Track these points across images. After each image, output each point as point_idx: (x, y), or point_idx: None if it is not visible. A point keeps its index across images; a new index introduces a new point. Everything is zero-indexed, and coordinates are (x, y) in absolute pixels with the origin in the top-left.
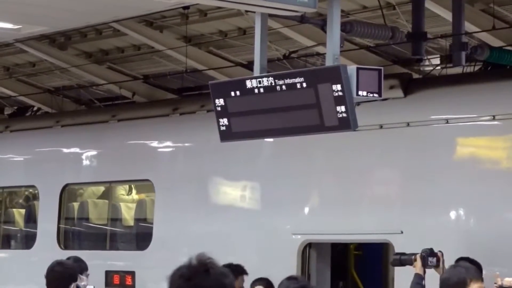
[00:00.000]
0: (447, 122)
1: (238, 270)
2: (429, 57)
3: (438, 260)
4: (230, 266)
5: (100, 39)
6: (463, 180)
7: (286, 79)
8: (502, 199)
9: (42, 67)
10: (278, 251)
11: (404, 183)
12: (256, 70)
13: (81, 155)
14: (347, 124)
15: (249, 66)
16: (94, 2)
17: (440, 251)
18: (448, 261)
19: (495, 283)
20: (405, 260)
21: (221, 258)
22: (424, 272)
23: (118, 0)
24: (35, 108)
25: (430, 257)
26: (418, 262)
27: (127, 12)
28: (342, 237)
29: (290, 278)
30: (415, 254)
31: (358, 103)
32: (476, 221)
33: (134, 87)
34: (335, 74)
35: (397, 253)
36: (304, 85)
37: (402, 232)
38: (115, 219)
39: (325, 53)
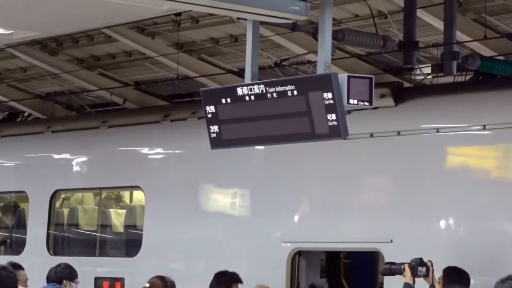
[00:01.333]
0: (438, 131)
1: (233, 278)
2: (420, 66)
3: (427, 270)
4: (225, 274)
5: (92, 45)
6: (453, 189)
7: (277, 86)
8: (492, 208)
9: (33, 72)
10: (268, 258)
11: (394, 191)
12: (247, 78)
13: (71, 161)
14: (337, 132)
15: (241, 73)
16: (86, 8)
17: (429, 260)
18: (438, 270)
19: None
20: (394, 269)
21: (211, 265)
22: (414, 282)
23: (110, 6)
24: (26, 114)
25: (419, 266)
26: (408, 272)
27: (119, 18)
28: (332, 245)
29: None
30: (404, 264)
31: (349, 111)
32: (467, 230)
33: (125, 93)
34: (326, 82)
35: (387, 263)
36: (295, 92)
37: (391, 241)
38: (105, 226)
39: (316, 61)
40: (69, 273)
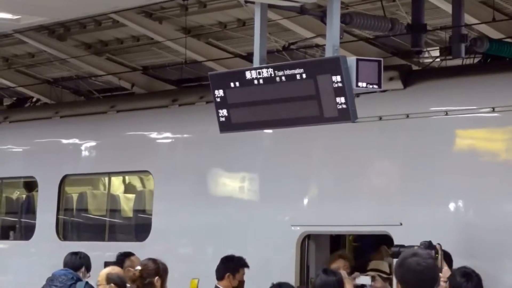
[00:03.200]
0: (447, 114)
1: (240, 263)
2: (428, 49)
3: (436, 253)
4: (232, 258)
5: (100, 30)
6: (462, 172)
7: (286, 70)
8: (502, 191)
9: (41, 58)
10: (277, 242)
11: (403, 175)
12: (256, 61)
13: (80, 146)
14: (346, 115)
15: (249, 57)
16: None
17: (438, 243)
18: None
19: None
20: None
21: (220, 250)
22: None
23: None
24: (34, 99)
25: (428, 249)
26: None
27: (126, 3)
28: (341, 229)
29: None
30: (413, 246)
31: (358, 95)
32: (476, 212)
33: (133, 78)
34: (335, 65)
35: (397, 245)
36: (304, 76)
37: (401, 224)
38: (114, 210)
39: (324, 45)
40: (89, 263)
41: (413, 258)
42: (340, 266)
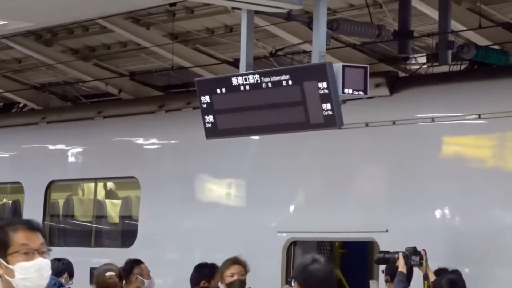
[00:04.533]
0: (433, 121)
1: (214, 269)
2: (415, 55)
3: (421, 259)
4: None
5: (87, 36)
6: (448, 178)
7: (272, 76)
8: (487, 198)
9: (28, 63)
10: (264, 248)
11: (390, 181)
12: (242, 68)
13: (66, 151)
14: (332, 121)
15: (235, 63)
16: None
17: (423, 249)
18: (432, 259)
19: None
20: (388, 258)
21: (207, 255)
22: (408, 270)
23: None
24: (21, 105)
25: (413, 255)
26: (401, 261)
27: (114, 8)
28: (327, 235)
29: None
30: (398, 253)
31: (344, 101)
32: (462, 219)
33: (121, 84)
34: (321, 71)
35: (381, 252)
36: (290, 82)
37: (387, 231)
38: (100, 216)
39: (311, 51)
40: (72, 270)
41: (315, 265)
42: (235, 272)
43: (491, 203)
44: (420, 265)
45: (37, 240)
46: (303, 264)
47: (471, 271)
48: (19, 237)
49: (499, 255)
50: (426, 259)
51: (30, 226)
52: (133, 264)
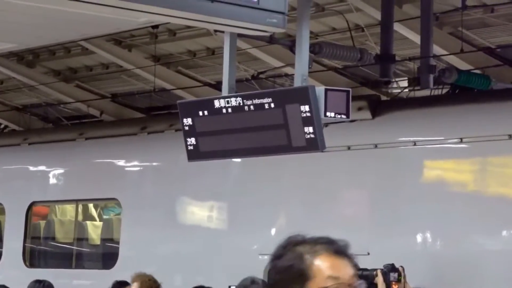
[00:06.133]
0: (415, 144)
1: None
2: (397, 79)
3: (399, 275)
4: None
5: (69, 57)
6: (430, 202)
7: (255, 99)
8: (468, 222)
9: (10, 84)
10: (245, 271)
11: (371, 204)
12: (225, 90)
13: (48, 173)
14: (314, 145)
15: (218, 86)
16: (63, 20)
17: (401, 266)
18: (410, 277)
19: None
20: (367, 275)
21: (188, 278)
22: (388, 287)
23: (86, 18)
24: (2, 126)
25: (391, 272)
26: (380, 278)
27: (96, 30)
28: None
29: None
30: (376, 270)
31: (326, 124)
32: (444, 243)
33: (102, 105)
34: (304, 94)
35: (360, 269)
36: (272, 105)
37: (368, 254)
38: (81, 238)
39: (293, 74)
40: None
41: (254, 286)
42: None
43: (471, 228)
44: (398, 281)
45: (348, 270)
46: (243, 285)
47: None
48: (324, 266)
49: (479, 279)
50: (405, 275)
51: (337, 249)
52: (120, 286)
